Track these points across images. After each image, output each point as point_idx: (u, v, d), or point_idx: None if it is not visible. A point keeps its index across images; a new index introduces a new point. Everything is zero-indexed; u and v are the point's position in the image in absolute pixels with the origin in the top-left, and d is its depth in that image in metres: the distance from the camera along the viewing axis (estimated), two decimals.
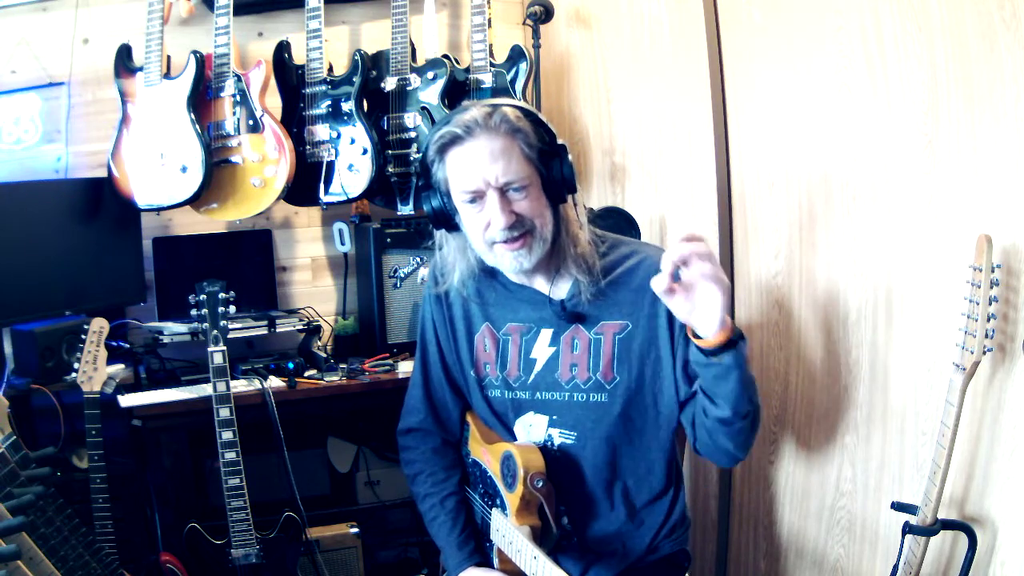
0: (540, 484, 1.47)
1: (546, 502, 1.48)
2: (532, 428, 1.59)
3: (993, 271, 1.51)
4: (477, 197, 1.46)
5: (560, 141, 1.48)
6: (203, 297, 2.07)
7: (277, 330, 2.47)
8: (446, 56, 2.55)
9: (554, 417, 1.57)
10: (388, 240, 2.58)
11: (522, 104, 1.49)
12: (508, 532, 1.49)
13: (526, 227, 1.47)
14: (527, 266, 1.50)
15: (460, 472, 1.71)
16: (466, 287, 1.60)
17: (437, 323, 1.69)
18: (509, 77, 2.55)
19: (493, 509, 1.58)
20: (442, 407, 1.72)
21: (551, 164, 1.46)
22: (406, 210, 2.59)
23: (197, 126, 2.39)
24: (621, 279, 1.53)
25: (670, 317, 1.48)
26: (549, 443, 1.58)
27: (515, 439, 1.61)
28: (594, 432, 1.55)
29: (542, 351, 1.57)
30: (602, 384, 1.53)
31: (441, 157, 1.48)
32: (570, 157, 1.47)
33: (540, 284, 1.57)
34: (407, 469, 1.74)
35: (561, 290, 1.56)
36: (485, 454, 1.61)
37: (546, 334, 1.57)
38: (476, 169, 1.44)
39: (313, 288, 2.85)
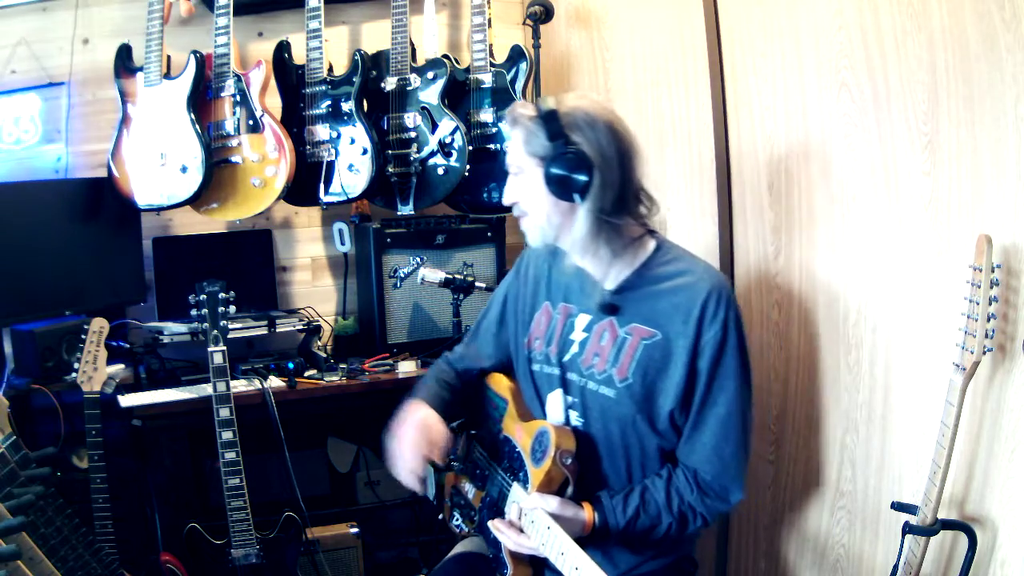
0: (568, 462, 1.51)
1: (572, 479, 1.53)
2: (554, 405, 1.65)
3: (993, 271, 1.51)
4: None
5: (575, 147, 1.47)
6: (203, 297, 2.07)
7: (277, 330, 2.48)
8: (446, 56, 2.56)
9: (572, 399, 1.63)
10: (388, 240, 2.58)
11: (540, 103, 1.52)
12: (526, 503, 1.53)
13: (521, 210, 1.58)
14: (531, 243, 1.61)
15: (460, 388, 1.81)
16: (543, 258, 1.71)
17: (509, 296, 1.80)
18: (509, 77, 2.55)
19: (514, 483, 1.61)
20: (474, 358, 1.85)
21: (548, 165, 1.49)
22: (406, 210, 2.59)
23: (197, 126, 2.39)
24: (667, 291, 1.55)
25: (695, 349, 1.52)
26: (567, 423, 1.63)
27: (547, 416, 1.67)
28: (595, 424, 1.60)
29: (578, 334, 1.62)
30: (613, 380, 1.56)
31: None
32: (584, 162, 1.48)
33: (593, 269, 1.61)
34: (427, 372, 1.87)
35: (613, 279, 1.59)
36: (518, 430, 1.65)
37: (584, 319, 1.62)
38: None
39: (313, 288, 2.85)
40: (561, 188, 1.49)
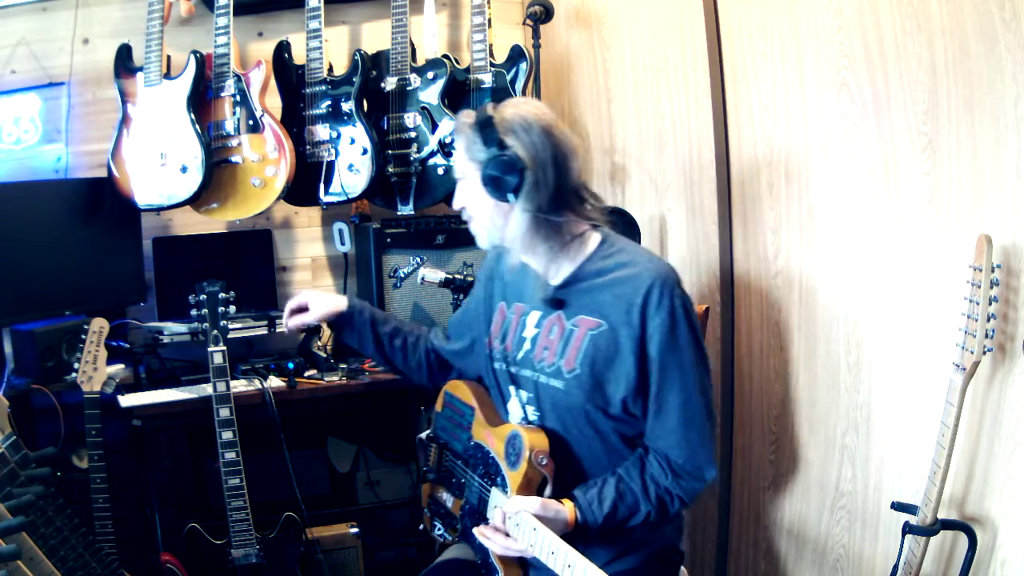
0: (544, 461, 1.54)
1: (550, 478, 1.55)
2: (514, 402, 1.70)
3: (993, 271, 1.51)
4: None
5: (509, 150, 1.53)
6: (203, 297, 2.07)
7: (277, 330, 2.47)
8: (446, 56, 2.56)
9: (529, 395, 1.67)
10: (388, 240, 2.58)
11: (480, 111, 1.58)
12: (508, 507, 1.54)
13: (469, 214, 1.65)
14: (481, 245, 1.68)
15: (418, 346, 1.93)
16: (499, 261, 1.76)
17: (473, 301, 1.88)
18: (509, 77, 2.55)
19: (493, 488, 1.63)
20: (435, 336, 1.96)
21: (484, 168, 1.56)
22: (406, 210, 2.59)
23: (197, 126, 2.39)
24: (611, 283, 1.59)
25: (643, 338, 1.55)
26: (525, 419, 1.69)
27: (508, 412, 1.72)
28: (549, 417, 1.64)
29: (530, 331, 1.68)
30: (561, 371, 1.61)
31: None
32: (516, 164, 1.53)
33: (537, 266, 1.66)
34: None
35: (558, 276, 1.64)
36: (489, 436, 1.67)
37: (535, 316, 1.68)
38: None
39: (313, 288, 2.85)
40: (496, 189, 1.55)
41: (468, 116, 1.60)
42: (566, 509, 1.53)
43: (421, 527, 1.93)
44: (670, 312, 1.53)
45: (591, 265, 1.61)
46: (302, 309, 1.94)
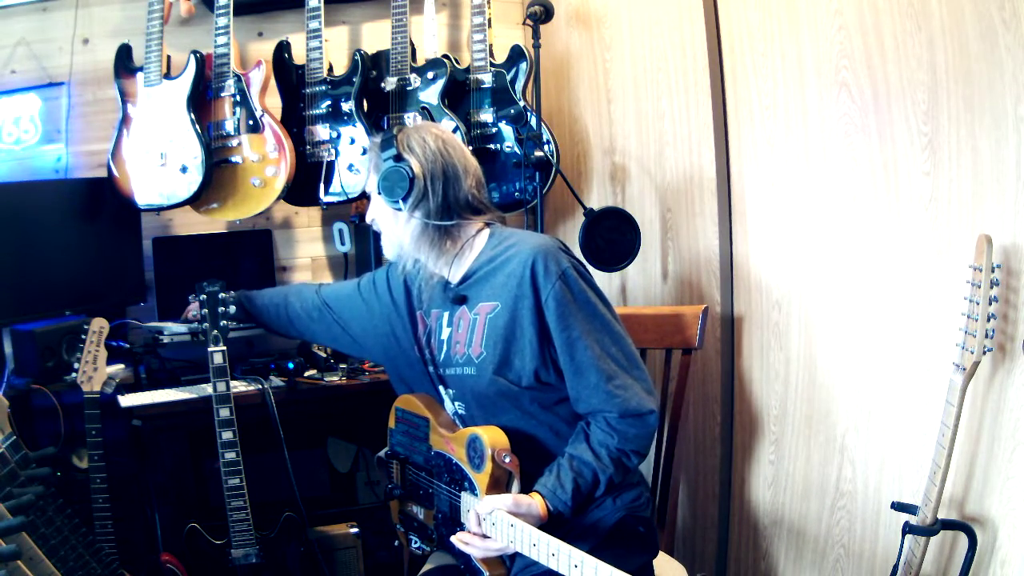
0: (507, 459, 1.57)
1: (515, 473, 1.58)
2: (446, 402, 1.78)
3: (993, 271, 1.51)
4: None
5: (403, 164, 1.65)
6: (203, 297, 2.07)
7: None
8: (446, 56, 2.56)
9: (453, 391, 1.75)
10: None
11: (384, 132, 1.73)
12: (481, 509, 1.56)
13: (378, 226, 1.77)
14: (388, 256, 1.80)
15: (282, 313, 2.08)
16: (404, 275, 1.83)
17: (367, 295, 1.94)
18: (509, 77, 2.55)
19: (462, 493, 1.65)
20: (317, 307, 2.03)
21: (380, 178, 1.69)
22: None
23: (197, 126, 2.39)
24: (500, 266, 1.67)
25: (538, 308, 1.61)
26: (456, 415, 1.76)
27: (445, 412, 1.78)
28: (472, 406, 1.71)
29: (445, 332, 1.75)
30: (472, 359, 1.68)
31: None
32: (409, 174, 1.65)
33: (437, 269, 1.75)
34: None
35: (457, 275, 1.73)
36: (448, 443, 1.69)
37: (446, 316, 1.76)
38: None
39: None
40: (389, 196, 1.68)
41: (376, 137, 1.74)
42: (536, 503, 1.56)
43: (396, 543, 1.95)
44: (559, 276, 1.60)
45: (483, 257, 1.70)
46: None
